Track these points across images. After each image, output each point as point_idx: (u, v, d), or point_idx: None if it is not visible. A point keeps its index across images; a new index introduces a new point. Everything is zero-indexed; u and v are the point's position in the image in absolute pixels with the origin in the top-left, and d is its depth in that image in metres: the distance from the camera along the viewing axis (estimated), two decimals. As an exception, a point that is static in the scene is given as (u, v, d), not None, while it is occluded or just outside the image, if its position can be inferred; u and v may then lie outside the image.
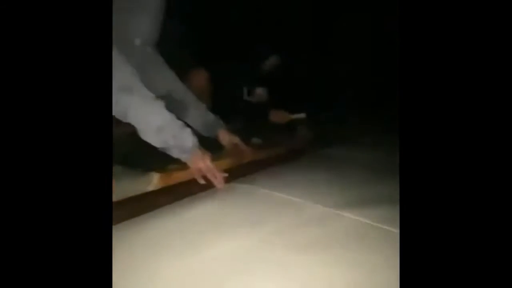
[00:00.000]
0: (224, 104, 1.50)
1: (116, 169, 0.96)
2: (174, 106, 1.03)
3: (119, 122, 0.81)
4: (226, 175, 0.89)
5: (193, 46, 1.43)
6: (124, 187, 0.79)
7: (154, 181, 0.81)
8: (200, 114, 1.11)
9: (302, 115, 1.70)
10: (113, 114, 0.77)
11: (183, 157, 0.83)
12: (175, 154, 0.82)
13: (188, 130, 0.84)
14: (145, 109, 0.77)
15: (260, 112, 1.66)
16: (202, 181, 0.85)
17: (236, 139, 1.14)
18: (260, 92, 1.74)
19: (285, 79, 1.80)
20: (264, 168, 1.09)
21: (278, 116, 1.68)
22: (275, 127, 1.70)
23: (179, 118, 0.85)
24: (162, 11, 0.91)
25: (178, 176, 0.85)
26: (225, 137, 1.14)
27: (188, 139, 0.82)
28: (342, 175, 1.05)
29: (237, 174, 0.96)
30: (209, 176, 0.85)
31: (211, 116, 1.13)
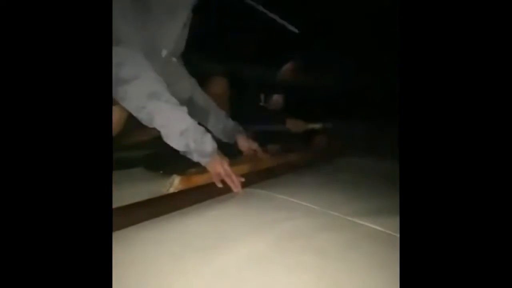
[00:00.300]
0: (242, 110, 1.54)
1: (138, 171, 1.01)
2: (195, 113, 1.07)
3: (142, 127, 0.86)
4: (243, 180, 0.92)
5: (213, 53, 1.48)
6: (146, 188, 0.83)
7: (175, 184, 0.84)
8: (220, 120, 1.15)
9: (318, 125, 1.72)
10: (140, 119, 0.82)
11: (203, 161, 0.87)
12: (195, 158, 0.86)
13: (209, 135, 0.87)
14: (169, 114, 0.81)
15: (277, 119, 1.68)
16: (220, 185, 0.88)
17: (254, 145, 1.17)
18: (277, 98, 1.77)
19: (302, 86, 1.82)
20: (281, 175, 1.12)
21: (294, 125, 1.69)
22: (292, 134, 1.72)
23: (200, 124, 0.89)
24: (189, 25, 0.96)
25: (198, 180, 0.89)
26: (244, 143, 1.17)
27: (208, 144, 0.86)
28: (357, 183, 1.06)
29: (254, 179, 0.98)
30: (227, 180, 0.88)
31: (230, 123, 1.17)
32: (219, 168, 0.88)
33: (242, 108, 1.53)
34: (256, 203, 0.84)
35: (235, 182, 0.89)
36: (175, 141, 0.83)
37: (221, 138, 1.16)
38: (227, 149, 1.17)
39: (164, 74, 0.89)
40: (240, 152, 1.19)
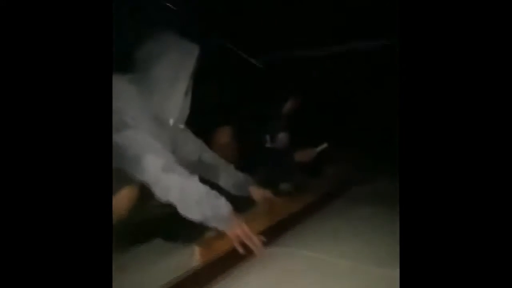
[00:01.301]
0: (250, 155, 1.54)
1: (158, 243, 1.00)
2: (205, 171, 1.08)
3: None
4: (264, 239, 0.90)
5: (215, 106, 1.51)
6: (167, 264, 0.82)
7: (196, 256, 0.83)
8: (229, 175, 1.15)
9: (324, 145, 1.70)
10: (156, 193, 0.82)
11: (220, 225, 0.86)
12: (212, 224, 0.85)
13: (223, 199, 0.87)
14: (183, 187, 0.82)
15: (285, 156, 1.67)
16: (241, 250, 0.86)
17: (267, 193, 1.17)
18: (283, 136, 1.77)
19: (304, 120, 1.83)
20: (298, 222, 1.10)
21: (304, 155, 1.66)
22: (302, 169, 1.71)
23: (211, 181, 0.87)
24: (190, 92, 0.99)
25: (218, 247, 0.87)
26: (257, 193, 1.16)
27: (224, 208, 0.85)
28: (375, 222, 1.04)
29: (274, 234, 0.97)
30: (247, 243, 0.86)
31: (240, 176, 1.17)
32: (237, 230, 0.86)
33: (248, 153, 1.53)
34: (281, 264, 0.82)
35: (256, 244, 0.87)
36: (191, 212, 0.82)
37: (233, 192, 1.16)
38: (239, 201, 1.16)
39: (173, 141, 0.91)
40: (253, 201, 1.19)
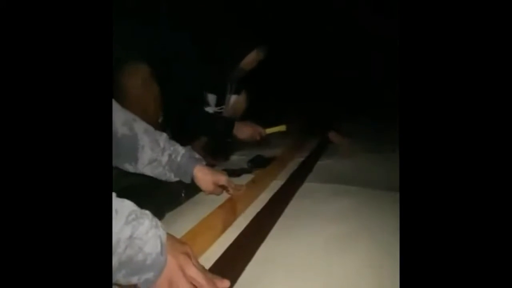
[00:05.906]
0: (172, 119, 1.00)
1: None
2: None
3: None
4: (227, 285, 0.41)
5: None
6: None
7: None
8: (159, 149, 0.64)
9: (282, 128, 1.20)
10: None
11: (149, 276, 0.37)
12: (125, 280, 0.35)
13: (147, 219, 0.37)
14: None
15: (222, 127, 1.12)
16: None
17: (223, 179, 0.68)
18: (237, 100, 1.23)
19: (267, 81, 1.33)
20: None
21: (246, 131, 1.12)
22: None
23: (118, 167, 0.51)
24: None
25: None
26: (207, 180, 0.67)
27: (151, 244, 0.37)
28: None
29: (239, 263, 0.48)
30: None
31: (179, 150, 0.66)
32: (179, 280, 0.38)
33: (172, 115, 1.00)
34: None
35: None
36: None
37: (167, 177, 0.66)
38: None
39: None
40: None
